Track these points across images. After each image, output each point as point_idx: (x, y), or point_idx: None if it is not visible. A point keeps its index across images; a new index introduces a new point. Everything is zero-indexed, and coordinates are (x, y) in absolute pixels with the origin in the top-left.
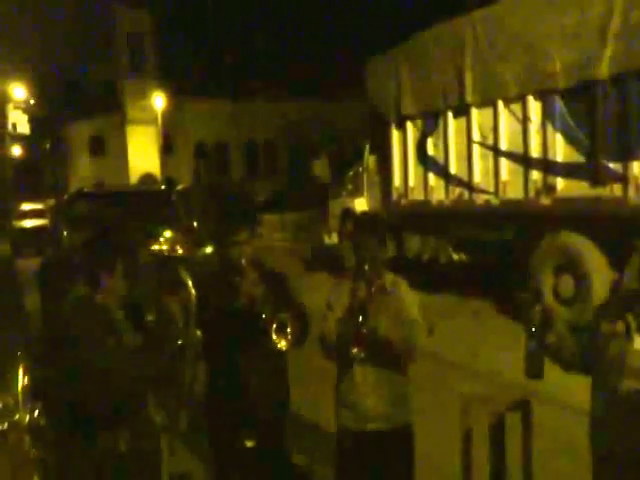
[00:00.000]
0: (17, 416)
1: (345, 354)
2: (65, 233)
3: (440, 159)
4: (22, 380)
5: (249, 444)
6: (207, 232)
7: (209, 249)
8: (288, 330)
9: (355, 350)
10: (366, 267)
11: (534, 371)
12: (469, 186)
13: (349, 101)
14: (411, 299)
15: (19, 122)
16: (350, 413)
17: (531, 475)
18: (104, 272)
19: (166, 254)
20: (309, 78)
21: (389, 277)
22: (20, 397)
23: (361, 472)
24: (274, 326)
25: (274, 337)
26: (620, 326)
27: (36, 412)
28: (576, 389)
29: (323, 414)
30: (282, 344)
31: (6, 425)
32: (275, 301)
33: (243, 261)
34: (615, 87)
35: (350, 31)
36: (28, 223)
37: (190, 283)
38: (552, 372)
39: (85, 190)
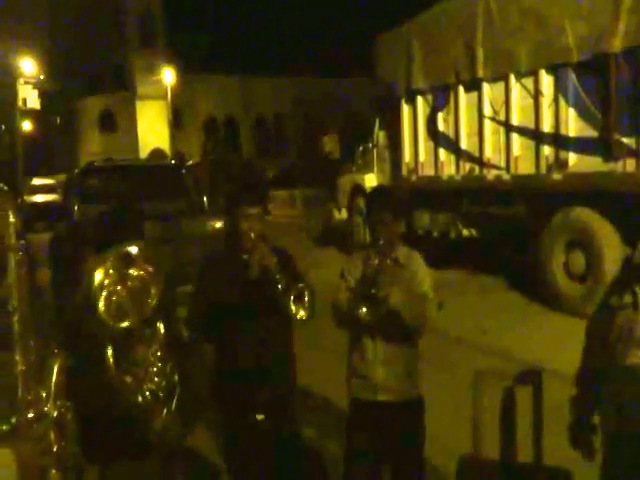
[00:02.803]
0: (46, 408)
1: (356, 320)
2: (76, 207)
3: (451, 134)
4: (56, 376)
5: (259, 417)
6: (216, 207)
7: (219, 224)
8: (306, 300)
9: (364, 310)
10: (381, 241)
11: (584, 449)
12: (480, 161)
13: (359, 77)
14: (424, 273)
15: (29, 97)
16: (361, 383)
17: (541, 449)
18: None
19: None
20: (319, 54)
21: (403, 249)
22: (52, 391)
23: (371, 443)
24: (292, 297)
25: (292, 308)
26: (628, 298)
27: (64, 408)
28: None
29: (332, 388)
30: (301, 314)
31: (33, 415)
32: (287, 272)
33: (252, 235)
34: (628, 61)
35: (360, 7)
36: (39, 198)
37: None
38: (561, 348)
39: (96, 164)
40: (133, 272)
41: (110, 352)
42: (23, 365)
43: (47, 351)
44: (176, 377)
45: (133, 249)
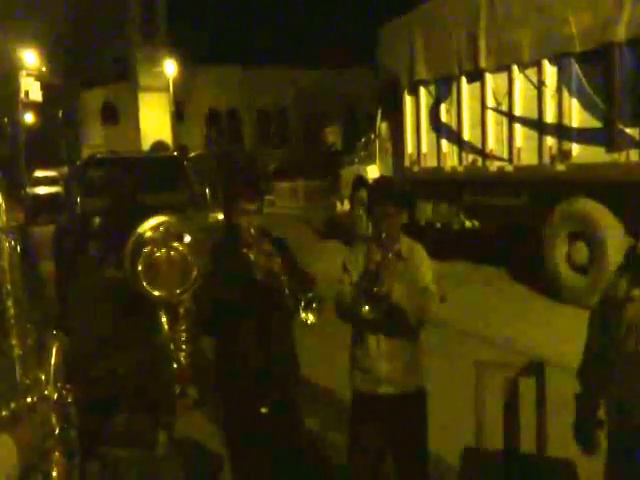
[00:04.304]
0: (46, 391)
1: (358, 315)
2: (79, 200)
3: (453, 125)
4: (55, 357)
5: (263, 411)
6: (218, 199)
7: (221, 216)
8: (314, 305)
9: (366, 308)
10: (383, 234)
11: (587, 444)
12: (483, 152)
13: (360, 69)
14: (426, 265)
15: (31, 89)
16: (363, 376)
17: (545, 441)
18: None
19: None
20: (320, 45)
21: (405, 241)
22: (52, 373)
23: (374, 435)
24: (302, 304)
25: (302, 314)
26: (636, 291)
27: (64, 390)
28: None
29: (335, 379)
30: (311, 319)
31: (35, 398)
32: (291, 274)
33: (252, 230)
34: (632, 51)
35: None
36: (42, 190)
37: None
38: (565, 339)
39: (98, 156)
40: (178, 246)
41: (164, 318)
42: (20, 349)
43: (46, 333)
44: (190, 346)
45: (187, 237)
